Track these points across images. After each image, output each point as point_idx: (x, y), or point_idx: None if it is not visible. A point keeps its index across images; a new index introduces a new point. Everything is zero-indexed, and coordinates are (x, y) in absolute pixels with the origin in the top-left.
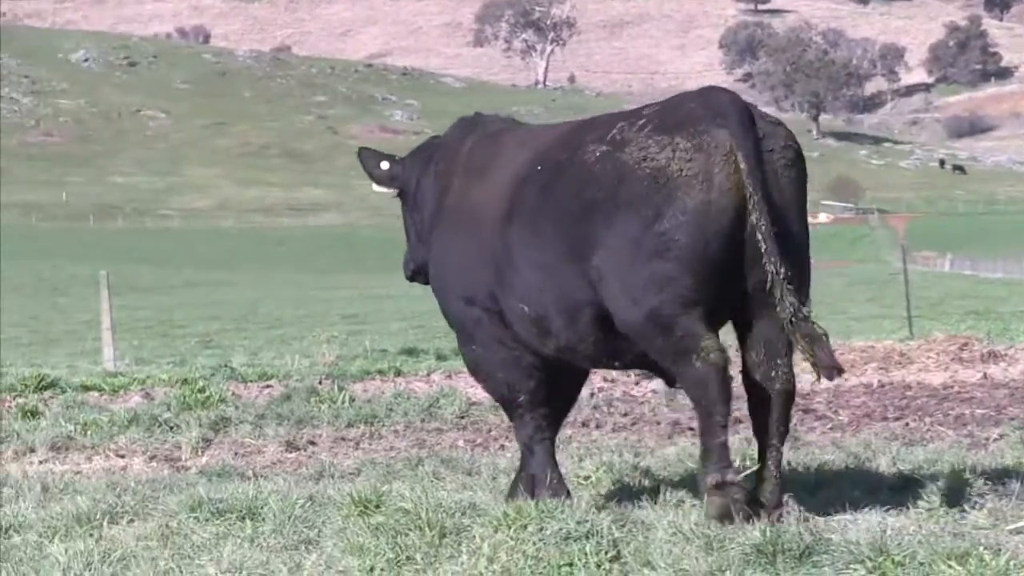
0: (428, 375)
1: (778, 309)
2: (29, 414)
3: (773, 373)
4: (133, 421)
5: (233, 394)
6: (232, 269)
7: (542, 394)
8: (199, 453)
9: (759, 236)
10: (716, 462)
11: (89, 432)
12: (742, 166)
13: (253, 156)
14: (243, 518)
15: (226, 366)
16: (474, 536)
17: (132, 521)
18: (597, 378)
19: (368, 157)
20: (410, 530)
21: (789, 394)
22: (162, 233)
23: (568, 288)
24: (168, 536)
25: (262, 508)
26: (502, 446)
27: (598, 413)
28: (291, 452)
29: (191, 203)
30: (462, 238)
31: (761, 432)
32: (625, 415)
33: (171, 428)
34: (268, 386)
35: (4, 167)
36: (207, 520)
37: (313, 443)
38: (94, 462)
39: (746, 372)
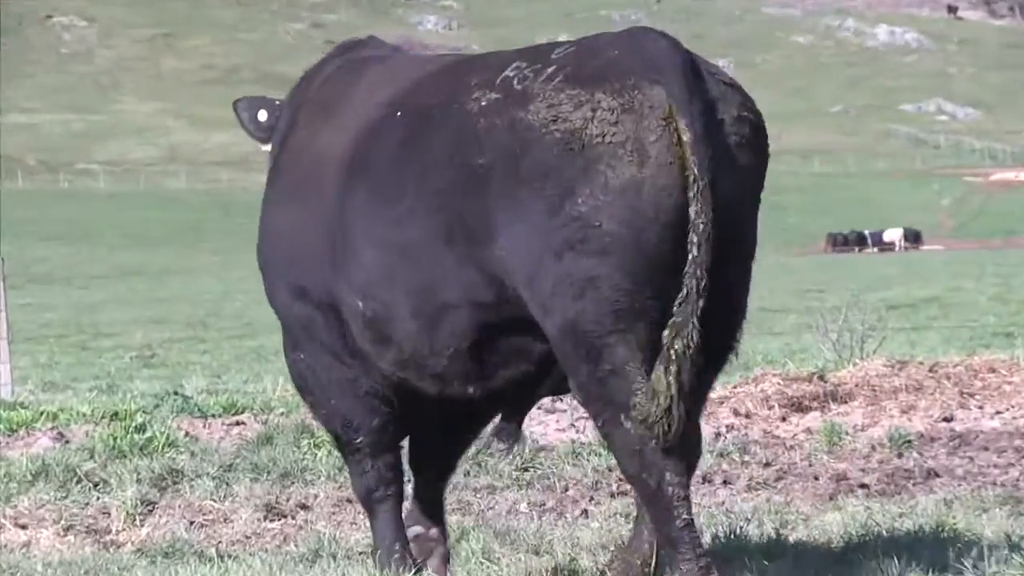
0: None
1: (671, 332)
2: None
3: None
4: (40, 475)
5: (187, 435)
6: (185, 250)
7: (389, 436)
8: (137, 522)
9: (694, 237)
10: (688, 558)
11: None
12: (685, 137)
13: (216, 83)
14: None
15: (176, 394)
16: None
17: None
18: (725, 412)
19: (245, 108)
20: None
21: (695, 442)
22: (83, 197)
23: (436, 280)
24: None
25: None
26: (584, 512)
27: (727, 463)
28: (273, 520)
29: (125, 153)
30: (298, 201)
31: None
32: (767, 465)
33: (96, 485)
34: (239, 423)
35: None
36: None
37: (305, 507)
38: None
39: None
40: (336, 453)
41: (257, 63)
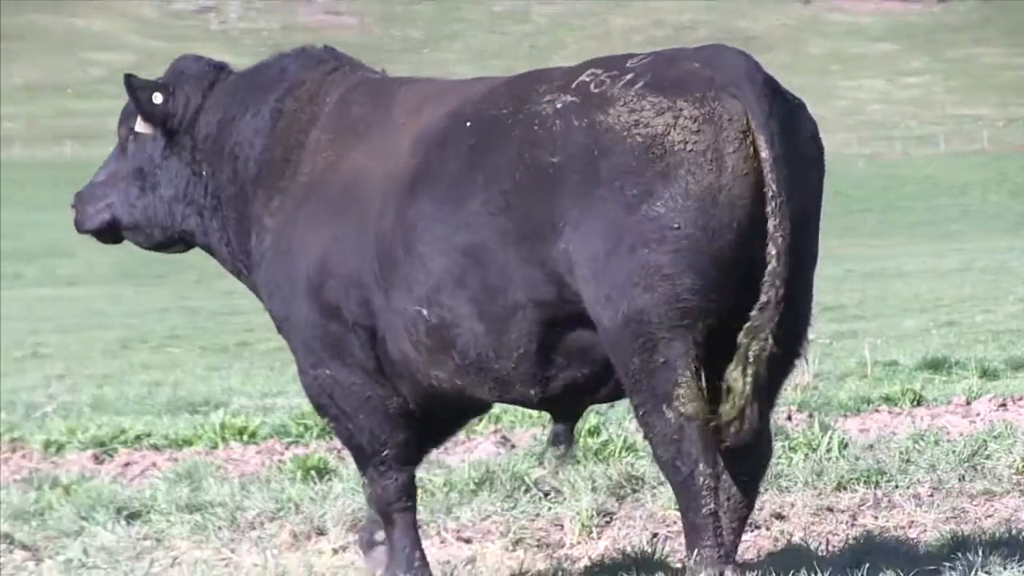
0: (967, 403)
1: (751, 342)
2: (315, 473)
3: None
4: (484, 484)
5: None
6: None
7: (413, 447)
8: (594, 535)
9: (773, 249)
10: (709, 544)
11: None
12: (763, 153)
13: (668, 43)
14: None
15: None
16: None
17: None
18: None
19: (142, 88)
20: None
21: (763, 454)
22: None
23: (503, 281)
24: None
25: None
26: None
27: None
28: (747, 531)
29: None
30: (327, 219)
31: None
32: None
33: (546, 495)
34: None
35: None
36: None
37: (781, 516)
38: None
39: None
40: (816, 455)
41: (714, 19)
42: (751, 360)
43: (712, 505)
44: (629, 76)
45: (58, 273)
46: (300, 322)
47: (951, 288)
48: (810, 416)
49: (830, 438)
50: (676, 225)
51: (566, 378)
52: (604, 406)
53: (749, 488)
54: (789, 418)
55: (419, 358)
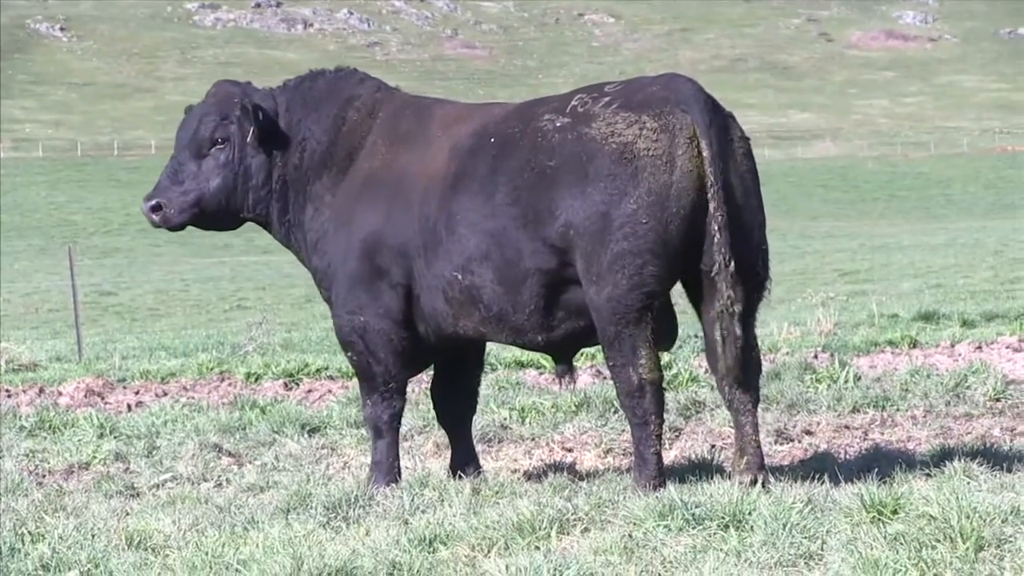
0: (952, 346)
1: (716, 300)
2: None
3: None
4: (583, 406)
5: (707, 372)
6: None
7: (406, 383)
8: (666, 446)
9: (715, 225)
10: (652, 474)
11: (528, 420)
12: (704, 153)
13: (724, 71)
14: (726, 527)
15: (696, 336)
16: (1020, 549)
17: (587, 530)
18: None
19: (255, 107)
20: (938, 541)
21: (756, 362)
22: None
23: (516, 255)
24: (632, 549)
25: (749, 514)
26: None
27: None
28: (782, 444)
29: None
30: (382, 204)
31: (732, 403)
32: None
33: None
34: None
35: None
36: (680, 529)
37: (809, 432)
38: (535, 457)
39: (710, 349)
40: (836, 385)
41: (759, 53)
42: (721, 313)
43: (657, 446)
44: (607, 98)
45: (257, 243)
46: (347, 277)
47: (938, 258)
48: (831, 355)
49: (847, 372)
50: (644, 220)
51: (566, 328)
52: (676, 348)
53: (752, 385)
54: (815, 357)
55: (449, 311)
